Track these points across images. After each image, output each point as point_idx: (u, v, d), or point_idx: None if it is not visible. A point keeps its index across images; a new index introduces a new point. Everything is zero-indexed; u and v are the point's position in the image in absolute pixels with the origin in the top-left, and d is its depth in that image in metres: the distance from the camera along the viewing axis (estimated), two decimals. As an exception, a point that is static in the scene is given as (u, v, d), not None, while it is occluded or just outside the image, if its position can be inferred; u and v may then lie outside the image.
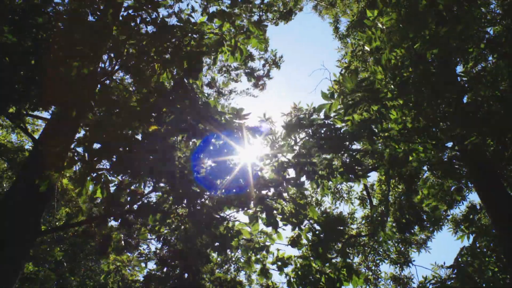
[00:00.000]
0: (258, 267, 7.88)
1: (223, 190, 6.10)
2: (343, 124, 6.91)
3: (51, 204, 12.42)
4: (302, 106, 7.59)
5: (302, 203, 6.62)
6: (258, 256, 7.71)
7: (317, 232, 6.98)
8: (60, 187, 12.53)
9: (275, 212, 6.36)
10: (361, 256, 11.93)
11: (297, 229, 6.82)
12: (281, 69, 14.70)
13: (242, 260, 7.57)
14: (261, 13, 11.99)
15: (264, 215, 6.40)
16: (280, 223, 6.62)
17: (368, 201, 11.31)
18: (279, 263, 7.45)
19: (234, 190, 6.04)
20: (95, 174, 6.05)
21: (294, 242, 7.28)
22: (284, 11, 13.86)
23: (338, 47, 14.70)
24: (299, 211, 6.62)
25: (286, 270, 7.51)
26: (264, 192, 6.32)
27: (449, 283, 8.64)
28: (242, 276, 10.64)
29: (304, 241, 7.41)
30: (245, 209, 6.52)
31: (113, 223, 7.84)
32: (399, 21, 7.03)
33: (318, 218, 7.04)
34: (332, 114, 6.98)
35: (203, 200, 6.18)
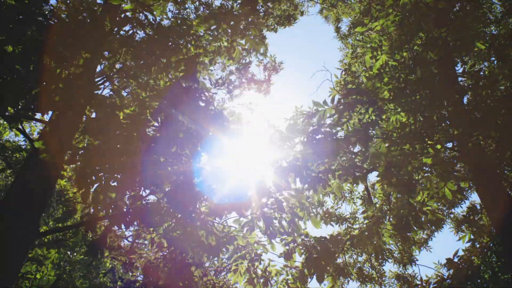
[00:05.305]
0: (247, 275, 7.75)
1: (221, 196, 6.07)
2: (339, 129, 6.92)
3: (49, 205, 12.40)
4: (304, 109, 7.59)
5: (302, 215, 6.58)
6: (249, 264, 7.59)
7: (313, 252, 6.94)
8: (59, 188, 12.51)
9: (274, 222, 6.33)
10: (365, 255, 11.94)
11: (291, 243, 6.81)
12: (284, 71, 14.76)
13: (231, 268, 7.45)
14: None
15: (261, 224, 6.37)
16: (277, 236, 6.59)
17: (368, 201, 11.31)
18: (266, 275, 7.37)
19: (233, 196, 6.01)
20: (94, 177, 6.02)
21: (288, 256, 7.25)
22: (283, 18, 13.85)
23: (340, 47, 14.66)
24: (295, 223, 6.58)
25: (274, 281, 7.45)
26: (264, 200, 6.30)
27: (448, 281, 8.65)
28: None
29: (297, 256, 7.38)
30: (240, 217, 6.49)
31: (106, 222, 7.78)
32: (397, 24, 7.03)
33: (311, 237, 7.05)
34: (328, 121, 7.01)
35: (198, 206, 6.15)
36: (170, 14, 10.36)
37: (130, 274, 14.17)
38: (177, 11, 10.08)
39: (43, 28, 6.21)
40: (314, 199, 11.68)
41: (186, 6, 10.44)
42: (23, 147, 13.64)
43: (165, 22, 9.45)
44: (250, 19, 7.49)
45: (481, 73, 7.75)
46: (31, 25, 6.07)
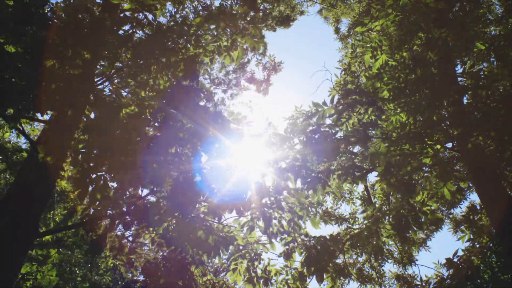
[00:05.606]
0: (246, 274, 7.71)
1: (221, 196, 6.07)
2: (337, 129, 6.95)
3: (49, 205, 12.39)
4: (303, 109, 7.61)
5: (302, 214, 6.59)
6: (249, 264, 7.56)
7: (313, 251, 6.94)
8: (59, 188, 12.51)
9: (273, 221, 6.35)
10: (365, 255, 11.92)
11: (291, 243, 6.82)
12: (284, 71, 14.69)
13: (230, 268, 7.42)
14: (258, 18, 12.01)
15: (261, 223, 6.37)
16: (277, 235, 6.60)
17: (368, 201, 11.31)
18: (266, 275, 7.35)
19: (233, 196, 6.01)
20: (94, 176, 6.03)
21: (287, 255, 7.25)
22: (281, 18, 13.85)
23: (339, 47, 14.64)
24: (295, 223, 6.59)
25: (274, 280, 7.43)
26: (263, 200, 6.31)
27: (448, 281, 8.65)
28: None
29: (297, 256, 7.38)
30: (240, 217, 6.50)
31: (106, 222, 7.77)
32: (397, 24, 7.04)
33: (310, 236, 7.06)
34: (328, 121, 7.05)
35: (198, 206, 6.16)
36: (169, 15, 10.39)
37: (130, 275, 14.17)
38: (175, 10, 10.09)
39: (43, 28, 6.22)
40: (313, 199, 11.69)
41: (185, 6, 10.43)
42: (23, 147, 13.64)
43: (164, 21, 9.47)
44: (249, 18, 7.50)
45: (481, 73, 7.75)
46: (31, 25, 6.08)
